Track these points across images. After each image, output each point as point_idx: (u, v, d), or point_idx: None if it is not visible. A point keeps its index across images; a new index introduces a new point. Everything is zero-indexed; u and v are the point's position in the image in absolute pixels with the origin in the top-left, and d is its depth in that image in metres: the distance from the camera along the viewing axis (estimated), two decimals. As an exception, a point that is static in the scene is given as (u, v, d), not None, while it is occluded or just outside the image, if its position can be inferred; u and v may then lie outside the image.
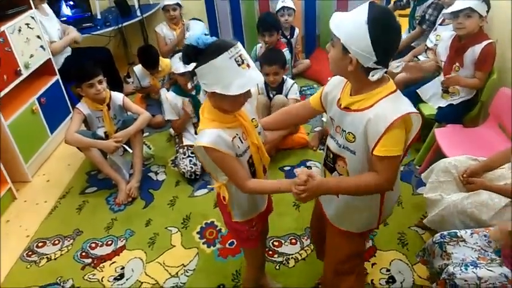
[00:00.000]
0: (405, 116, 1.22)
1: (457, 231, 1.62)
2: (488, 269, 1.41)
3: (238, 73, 1.28)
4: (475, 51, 2.47)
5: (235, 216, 1.58)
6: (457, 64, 2.57)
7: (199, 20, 4.03)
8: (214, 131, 1.34)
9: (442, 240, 1.61)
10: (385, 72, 1.28)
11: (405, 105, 1.26)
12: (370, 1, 1.22)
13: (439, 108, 2.66)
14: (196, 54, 1.30)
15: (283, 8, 3.82)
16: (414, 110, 1.25)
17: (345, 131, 1.34)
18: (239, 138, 1.41)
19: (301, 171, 1.32)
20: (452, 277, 1.43)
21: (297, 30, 3.97)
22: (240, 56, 1.28)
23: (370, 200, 1.43)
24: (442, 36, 2.77)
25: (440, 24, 3.05)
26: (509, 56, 2.50)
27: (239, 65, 1.27)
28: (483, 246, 1.55)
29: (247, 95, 1.34)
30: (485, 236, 1.58)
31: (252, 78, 1.30)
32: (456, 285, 1.42)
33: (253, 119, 1.49)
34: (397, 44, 1.29)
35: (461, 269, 1.43)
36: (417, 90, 2.80)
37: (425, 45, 3.14)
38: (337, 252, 1.60)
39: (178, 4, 3.92)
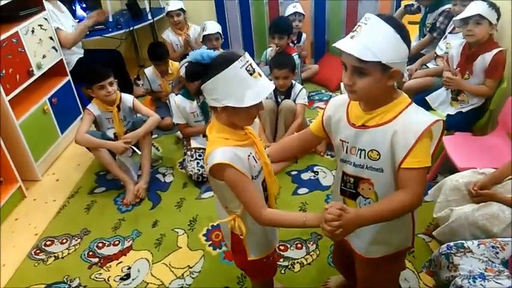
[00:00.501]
0: (432, 125, 1.18)
1: (464, 242, 1.62)
2: (496, 282, 1.40)
3: (251, 83, 1.23)
4: (485, 59, 2.47)
5: (252, 253, 1.48)
6: (468, 72, 2.57)
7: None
8: (229, 149, 1.27)
9: (448, 251, 1.60)
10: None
11: (427, 115, 1.22)
12: (378, 14, 1.17)
13: (448, 115, 2.66)
14: (202, 69, 1.25)
15: (295, 13, 3.83)
16: (437, 117, 1.21)
17: (364, 150, 1.27)
18: (253, 157, 1.34)
19: (331, 206, 1.19)
20: None
21: (304, 36, 3.98)
22: (250, 65, 1.24)
23: (403, 218, 1.31)
24: (452, 44, 2.78)
25: (450, 33, 3.05)
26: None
27: (251, 74, 1.23)
28: (490, 258, 1.54)
29: (260, 106, 1.28)
30: (492, 247, 1.57)
31: (264, 87, 1.26)
32: (465, 297, 1.41)
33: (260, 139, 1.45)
34: None
35: (469, 282, 1.42)
36: (426, 98, 2.80)
37: (435, 52, 3.14)
38: (379, 279, 1.52)
39: (182, 9, 3.96)
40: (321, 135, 1.46)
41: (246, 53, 1.26)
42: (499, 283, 1.40)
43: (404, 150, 1.18)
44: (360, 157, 1.29)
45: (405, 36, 1.16)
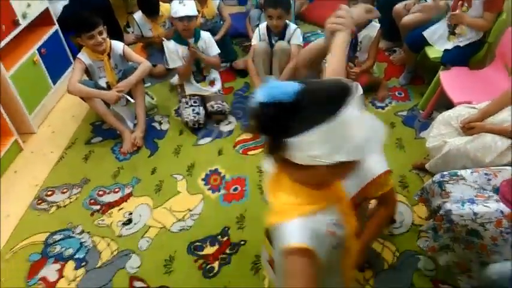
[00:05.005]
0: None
1: (458, 170, 1.64)
2: (484, 205, 1.43)
3: (366, 125, 0.87)
4: (484, -10, 2.39)
5: None
6: (466, 4, 2.49)
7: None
8: (307, 222, 0.91)
9: (441, 179, 1.62)
10: None
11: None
12: None
13: (445, 50, 2.61)
14: (290, 114, 0.83)
15: None
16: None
17: None
18: (334, 224, 0.96)
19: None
20: (449, 213, 1.45)
21: None
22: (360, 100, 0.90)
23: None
24: (451, -25, 2.67)
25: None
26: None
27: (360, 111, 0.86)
28: (482, 185, 1.57)
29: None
30: (485, 174, 1.59)
31: (378, 128, 0.89)
32: (452, 220, 1.44)
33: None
34: None
35: (457, 206, 1.45)
36: (423, 33, 2.73)
37: (433, -15, 3.03)
38: None
39: None
40: None
41: (356, 83, 0.97)
42: (487, 206, 1.43)
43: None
44: None
45: None
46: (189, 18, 2.68)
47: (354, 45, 2.82)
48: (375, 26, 2.81)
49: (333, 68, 1.14)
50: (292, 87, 0.83)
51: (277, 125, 0.84)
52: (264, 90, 0.84)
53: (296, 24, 3.11)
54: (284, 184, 0.96)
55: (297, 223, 0.91)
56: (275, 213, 0.96)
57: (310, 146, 0.84)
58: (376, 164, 1.29)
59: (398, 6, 3.12)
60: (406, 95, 2.93)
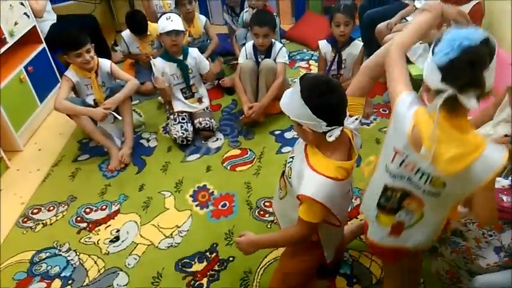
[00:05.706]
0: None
1: None
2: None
3: None
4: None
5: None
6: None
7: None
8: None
9: None
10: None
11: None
12: (301, 75, 1.34)
13: (427, 68, 2.68)
14: (492, 49, 1.06)
15: None
16: None
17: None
18: None
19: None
20: None
21: None
22: None
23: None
24: (431, -4, 2.77)
25: (429, -16, 3.03)
26: (495, 13, 2.51)
27: None
28: None
29: None
30: None
31: None
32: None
33: None
34: (340, 102, 1.34)
35: None
36: (405, 52, 2.81)
37: (414, 5, 3.13)
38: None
39: None
40: None
41: None
42: None
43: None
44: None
45: (312, 102, 1.28)
46: (176, 32, 2.73)
47: (338, 62, 2.89)
48: (358, 45, 2.88)
49: (403, 41, 1.34)
50: (475, 28, 1.08)
51: (488, 58, 1.04)
52: (466, 35, 1.04)
53: (281, 43, 3.17)
54: (461, 127, 1.13)
55: (493, 146, 1.13)
56: (469, 154, 1.09)
57: (493, 72, 1.06)
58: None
59: (381, 25, 3.20)
60: (390, 112, 2.99)
